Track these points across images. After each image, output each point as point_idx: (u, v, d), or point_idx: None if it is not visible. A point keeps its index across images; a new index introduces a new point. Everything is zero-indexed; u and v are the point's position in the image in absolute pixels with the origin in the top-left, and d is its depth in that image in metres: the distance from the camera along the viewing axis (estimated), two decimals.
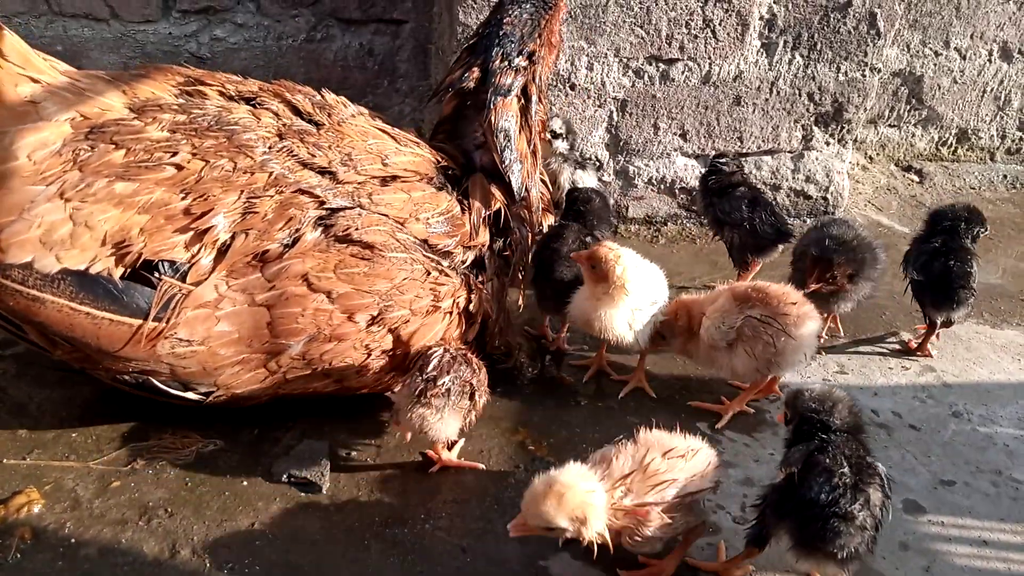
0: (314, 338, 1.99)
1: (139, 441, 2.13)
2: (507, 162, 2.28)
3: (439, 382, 1.95)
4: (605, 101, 3.09)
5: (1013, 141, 4.11)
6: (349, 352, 2.04)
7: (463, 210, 2.22)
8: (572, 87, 3.03)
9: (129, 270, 1.83)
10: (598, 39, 2.95)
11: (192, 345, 1.89)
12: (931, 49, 3.78)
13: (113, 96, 1.92)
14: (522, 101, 2.33)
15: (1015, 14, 3.74)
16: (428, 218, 2.13)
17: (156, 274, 1.84)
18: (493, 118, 2.25)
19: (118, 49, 3.10)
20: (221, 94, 2.07)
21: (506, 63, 2.26)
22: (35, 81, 1.82)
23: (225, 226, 1.88)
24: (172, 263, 1.85)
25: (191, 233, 1.86)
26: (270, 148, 1.98)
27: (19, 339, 1.97)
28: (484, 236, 2.27)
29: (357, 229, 1.99)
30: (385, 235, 2.04)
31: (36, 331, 1.89)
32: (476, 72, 2.27)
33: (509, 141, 2.28)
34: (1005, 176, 4.01)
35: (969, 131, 4.03)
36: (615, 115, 3.13)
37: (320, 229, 1.97)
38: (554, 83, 3.00)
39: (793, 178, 3.37)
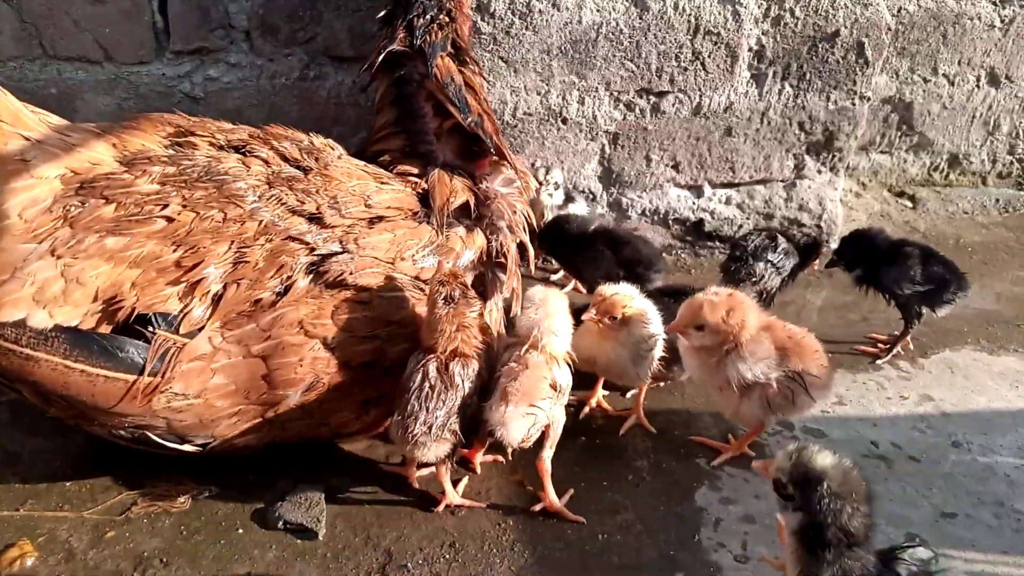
0: (312, 387, 1.97)
1: (133, 489, 2.11)
2: (470, 121, 2.26)
3: (432, 430, 1.93)
4: (597, 134, 3.10)
5: (1004, 165, 4.13)
6: (347, 399, 2.03)
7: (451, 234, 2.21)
8: (564, 121, 3.05)
9: (122, 324, 1.82)
10: (588, 73, 2.97)
11: (188, 399, 1.88)
12: (920, 76, 3.81)
13: (102, 149, 1.94)
14: (457, 62, 2.32)
15: (1000, 40, 3.77)
16: (413, 255, 2.12)
17: (150, 328, 1.83)
18: (441, 77, 2.24)
19: (112, 90, 3.11)
20: (211, 144, 2.08)
21: (428, 18, 2.26)
22: (25, 138, 1.83)
23: (217, 277, 1.88)
24: (165, 316, 1.84)
25: (183, 285, 1.86)
26: (260, 196, 1.99)
27: (14, 393, 1.96)
28: (475, 248, 2.24)
29: (351, 273, 1.99)
30: (379, 276, 2.03)
31: (30, 390, 1.87)
32: (401, 32, 2.27)
33: (465, 100, 2.25)
34: (997, 200, 4.03)
35: (960, 156, 4.05)
36: (607, 148, 3.14)
37: (312, 275, 1.96)
38: (546, 118, 3.02)
39: (786, 207, 3.38)
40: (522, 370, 1.97)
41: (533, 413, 1.97)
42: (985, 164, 4.10)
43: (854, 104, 3.23)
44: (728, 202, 3.34)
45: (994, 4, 3.69)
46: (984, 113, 3.96)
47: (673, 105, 3.10)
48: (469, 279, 2.15)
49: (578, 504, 2.15)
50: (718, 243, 3.40)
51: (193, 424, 1.93)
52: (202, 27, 3.05)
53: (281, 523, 2.02)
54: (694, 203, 3.31)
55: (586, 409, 2.50)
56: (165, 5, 3.01)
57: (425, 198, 2.23)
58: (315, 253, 1.98)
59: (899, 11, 3.59)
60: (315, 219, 2.02)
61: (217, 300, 1.87)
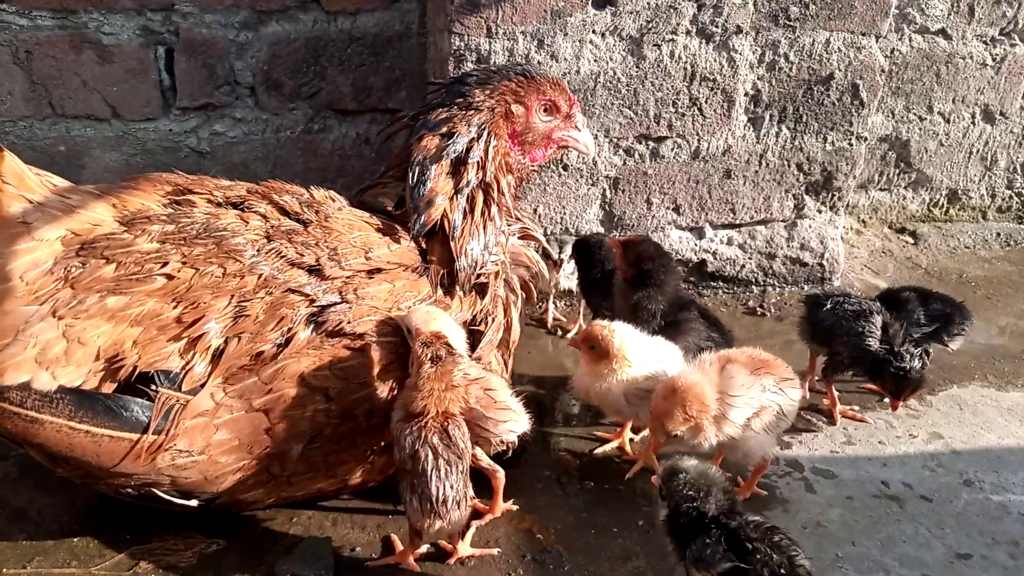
0: (315, 439, 1.98)
1: (141, 544, 2.10)
2: (416, 197, 2.22)
3: (449, 502, 1.88)
4: (598, 180, 3.14)
5: (1003, 199, 4.16)
6: (352, 449, 2.03)
7: (445, 292, 2.23)
8: (565, 168, 3.09)
9: (125, 383, 1.83)
10: (588, 121, 3.00)
11: (192, 455, 1.89)
12: (915, 114, 3.86)
13: (102, 210, 1.97)
14: (461, 167, 2.23)
15: (993, 78, 3.83)
16: (409, 307, 2.13)
17: (153, 386, 1.84)
18: (413, 150, 2.24)
19: (120, 147, 3.17)
20: (209, 201, 2.11)
21: (447, 105, 2.27)
22: (28, 200, 1.87)
23: (217, 331, 1.89)
24: (168, 373, 1.85)
25: (184, 341, 1.86)
26: (259, 251, 2.01)
27: (22, 448, 1.96)
28: (468, 312, 2.25)
29: (349, 322, 2.01)
30: (375, 323, 2.05)
31: (37, 451, 1.88)
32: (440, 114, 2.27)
33: (424, 177, 2.22)
34: (998, 234, 4.05)
35: (959, 191, 4.09)
36: (608, 192, 3.18)
37: (312, 326, 1.97)
38: (547, 165, 3.06)
39: (788, 246, 3.40)
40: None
41: None
42: (984, 199, 4.13)
43: (851, 144, 3.28)
44: (730, 243, 3.37)
45: (985, 44, 3.76)
46: (981, 149, 4.01)
47: (672, 150, 3.14)
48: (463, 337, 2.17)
49: (588, 550, 2.14)
50: (721, 283, 3.42)
51: (198, 480, 1.93)
52: (208, 84, 3.12)
53: (289, 575, 2.00)
54: (696, 244, 3.34)
55: (605, 448, 2.50)
56: (172, 64, 3.09)
57: (425, 252, 2.25)
58: (315, 304, 1.99)
59: (892, 52, 3.66)
60: (314, 271, 2.04)
61: (219, 355, 1.88)
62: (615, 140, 3.08)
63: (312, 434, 1.97)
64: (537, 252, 2.53)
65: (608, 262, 2.82)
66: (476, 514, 2.15)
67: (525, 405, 2.68)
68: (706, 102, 3.08)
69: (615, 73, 2.95)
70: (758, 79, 3.10)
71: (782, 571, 1.70)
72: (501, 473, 2.14)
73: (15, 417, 1.77)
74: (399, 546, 2.08)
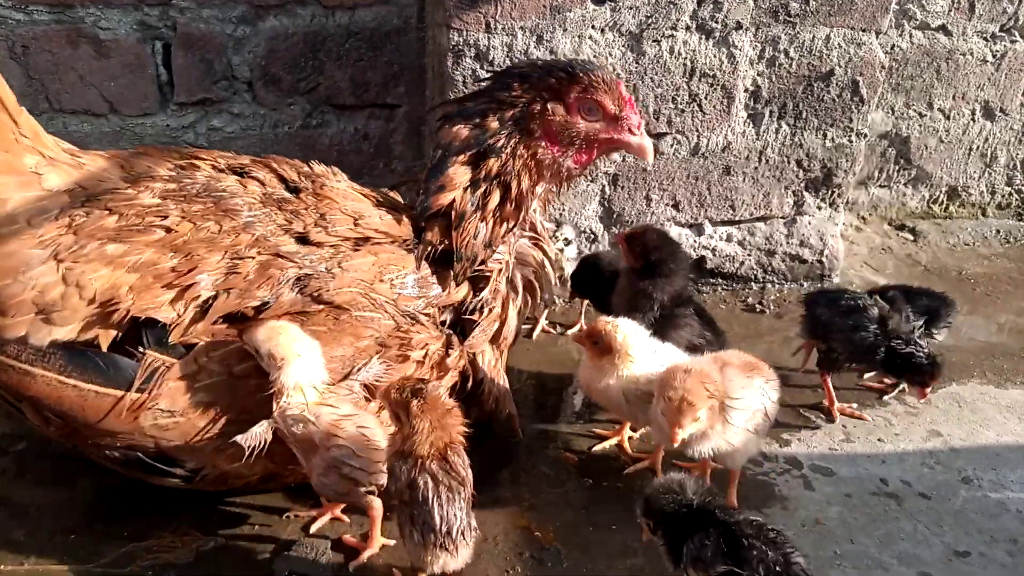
0: None
1: (138, 541, 2.09)
2: (429, 179, 2.23)
3: (454, 533, 1.81)
4: (597, 176, 3.13)
5: (1003, 196, 4.15)
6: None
7: (435, 272, 2.23)
8: None
9: (119, 335, 1.89)
10: None
11: (174, 416, 1.92)
12: (915, 111, 3.85)
13: (110, 169, 2.07)
14: (483, 167, 2.21)
15: (993, 75, 3.82)
16: (393, 279, 2.15)
17: (140, 348, 1.90)
18: (441, 135, 2.24)
19: (117, 142, 3.15)
20: (213, 167, 2.19)
21: (488, 96, 2.24)
22: (41, 154, 1.96)
23: (208, 284, 1.95)
24: (157, 334, 1.91)
25: (176, 290, 1.93)
26: (254, 213, 2.08)
27: (18, 413, 2.01)
28: (459, 294, 2.25)
29: (328, 291, 2.03)
30: (355, 295, 2.07)
31: (30, 407, 1.95)
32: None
33: (443, 164, 2.21)
34: (998, 231, 4.04)
35: (959, 188, 4.08)
36: (607, 189, 3.17)
37: (297, 290, 2.01)
38: None
39: (787, 243, 3.40)
40: None
41: None
42: (984, 195, 4.12)
43: (851, 141, 3.27)
44: (729, 239, 3.36)
45: (985, 40, 3.75)
46: (981, 145, 4.00)
47: (672, 146, 3.14)
48: (445, 318, 2.19)
49: (587, 547, 2.14)
50: (720, 280, 3.41)
51: (180, 445, 1.96)
52: (206, 79, 3.11)
53: (287, 573, 2.00)
54: (695, 241, 3.33)
55: (604, 445, 2.49)
56: (169, 58, 3.07)
57: (420, 230, 2.26)
58: (301, 270, 2.03)
59: (892, 48, 3.65)
60: (302, 239, 2.09)
61: (206, 308, 1.93)
62: None
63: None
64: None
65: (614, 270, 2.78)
66: (355, 552, 2.07)
67: (525, 401, 2.73)
68: (706, 98, 3.07)
69: (615, 69, 2.94)
70: (758, 75, 3.09)
71: (778, 569, 1.70)
72: (378, 503, 2.01)
73: (11, 370, 1.86)
74: None
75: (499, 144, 2.21)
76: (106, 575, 2.00)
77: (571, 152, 2.28)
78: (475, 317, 2.28)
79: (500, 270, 2.31)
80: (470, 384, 2.27)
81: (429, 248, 2.21)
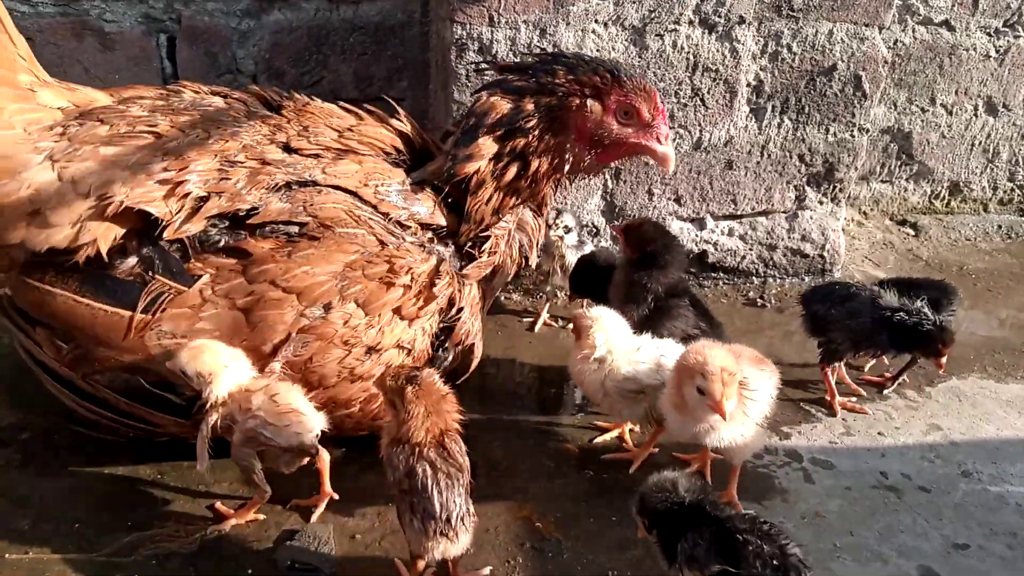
0: (288, 339, 2.05)
1: (142, 530, 2.11)
2: (459, 145, 2.26)
3: (453, 519, 1.82)
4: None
5: (1005, 192, 4.15)
6: (328, 348, 2.08)
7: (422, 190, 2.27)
8: None
9: (117, 237, 1.99)
10: None
11: (176, 338, 2.01)
12: (918, 106, 3.85)
13: (101, 95, 2.23)
14: (510, 149, 2.24)
15: (996, 70, 3.82)
16: (378, 186, 2.19)
17: (150, 273, 2.02)
18: (479, 102, 2.26)
19: None
20: (196, 92, 2.33)
21: (532, 75, 2.26)
22: (37, 77, 2.14)
23: (199, 184, 2.04)
24: (167, 262, 2.02)
25: (168, 186, 2.02)
26: (240, 124, 2.21)
27: (36, 346, 2.14)
28: (441, 219, 2.26)
29: (312, 204, 2.09)
30: (339, 211, 2.11)
31: (46, 333, 2.09)
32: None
33: (475, 133, 2.24)
34: (999, 226, 4.04)
35: (961, 183, 4.08)
36: (610, 183, 3.18)
37: (286, 200, 2.08)
38: None
39: (789, 238, 3.40)
40: None
41: None
42: (986, 191, 4.13)
43: (853, 136, 3.27)
44: (731, 234, 3.37)
45: (989, 35, 3.75)
46: (983, 141, 4.00)
47: (674, 140, 3.13)
48: (424, 234, 2.22)
49: (587, 539, 2.15)
50: (721, 274, 3.42)
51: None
52: (210, 72, 3.11)
53: (290, 562, 2.02)
54: (697, 235, 3.34)
55: (604, 437, 2.51)
56: (174, 51, 3.08)
57: (410, 141, 2.34)
58: (287, 176, 2.11)
59: (895, 43, 3.65)
60: (286, 148, 2.18)
61: (198, 208, 2.02)
62: None
63: (285, 333, 2.05)
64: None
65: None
66: (217, 519, 2.15)
67: (526, 393, 2.75)
68: (708, 93, 3.07)
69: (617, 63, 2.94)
70: (760, 70, 3.09)
71: (774, 562, 1.70)
72: (268, 490, 2.12)
73: (36, 291, 2.04)
74: (404, 572, 2.00)
75: (529, 126, 2.24)
76: (110, 564, 2.02)
77: (597, 150, 2.32)
78: (474, 252, 2.31)
79: (503, 235, 2.36)
80: (453, 310, 2.28)
81: (443, 194, 2.27)
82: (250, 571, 2.01)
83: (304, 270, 2.04)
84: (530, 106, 2.24)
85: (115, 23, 3.00)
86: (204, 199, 2.03)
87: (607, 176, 3.15)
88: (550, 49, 2.86)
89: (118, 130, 2.09)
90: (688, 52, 2.99)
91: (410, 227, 2.21)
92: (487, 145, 2.24)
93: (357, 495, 2.24)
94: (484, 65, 2.65)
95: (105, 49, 3.03)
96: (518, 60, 2.40)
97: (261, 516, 2.15)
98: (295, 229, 2.07)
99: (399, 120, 2.40)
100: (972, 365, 2.97)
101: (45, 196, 1.97)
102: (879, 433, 2.61)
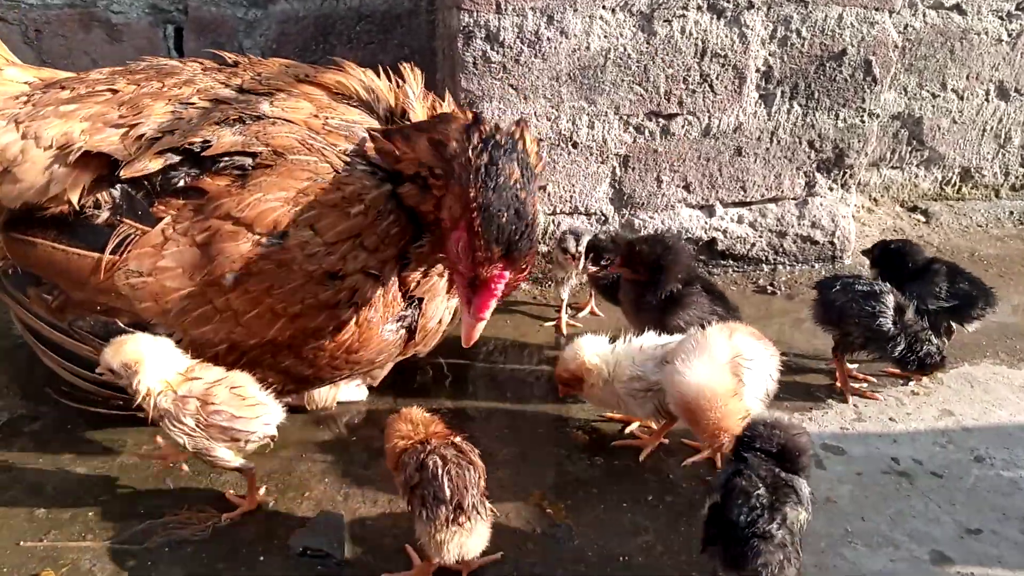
0: (247, 273, 2.09)
1: (156, 518, 2.12)
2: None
3: (465, 505, 1.80)
4: (607, 157, 3.13)
5: (1017, 177, 4.12)
6: (290, 292, 2.10)
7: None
8: (575, 145, 3.08)
9: (84, 188, 2.12)
10: (598, 98, 3.00)
11: (142, 276, 2.11)
12: (928, 91, 3.82)
13: (67, 73, 2.39)
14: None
15: (1008, 54, 3.78)
16: (328, 118, 2.23)
17: (118, 218, 2.13)
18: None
19: None
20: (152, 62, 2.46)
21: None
22: (5, 59, 2.35)
23: (154, 124, 2.16)
24: (132, 205, 2.13)
25: (124, 129, 2.15)
26: (195, 74, 2.35)
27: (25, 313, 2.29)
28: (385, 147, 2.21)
29: (264, 133, 2.15)
30: (292, 140, 2.15)
31: (34, 285, 2.25)
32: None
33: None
34: (1011, 212, 4.01)
35: (972, 169, 4.05)
36: (618, 170, 3.17)
37: (239, 132, 2.15)
38: (556, 142, 3.05)
39: (799, 224, 3.39)
40: None
41: None
42: (998, 177, 4.10)
43: (863, 121, 3.25)
44: (740, 221, 3.35)
45: (1001, 19, 3.71)
46: (995, 126, 3.97)
47: (683, 127, 3.13)
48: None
49: (598, 525, 2.15)
50: (731, 262, 3.41)
51: (151, 306, 2.13)
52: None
53: (302, 548, 2.03)
54: (706, 223, 3.33)
55: (631, 427, 2.51)
56: (181, 42, 3.09)
57: (376, 93, 2.35)
58: (240, 112, 2.19)
59: (905, 28, 3.62)
60: (241, 90, 2.29)
61: (152, 144, 2.13)
62: (625, 117, 3.06)
63: (243, 263, 2.08)
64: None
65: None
66: (231, 506, 2.16)
67: (536, 380, 2.75)
68: (717, 79, 3.05)
69: (625, 49, 2.93)
70: (770, 55, 3.07)
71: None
72: (254, 468, 2.13)
73: (19, 242, 2.21)
74: (416, 560, 1.98)
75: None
76: (123, 551, 2.03)
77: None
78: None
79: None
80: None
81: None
82: (262, 558, 2.02)
83: (256, 197, 2.09)
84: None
85: (122, 14, 3.01)
86: (158, 138, 2.13)
87: (615, 164, 3.14)
88: (558, 37, 2.85)
89: (78, 92, 2.24)
90: (697, 38, 2.97)
91: (361, 159, 2.19)
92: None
93: (369, 482, 2.25)
94: (494, 54, 2.60)
95: (112, 40, 3.04)
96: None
97: (263, 491, 2.19)
98: (249, 162, 2.12)
99: (371, 74, 2.40)
100: (984, 351, 2.96)
101: (11, 155, 2.13)
102: (890, 419, 2.60)
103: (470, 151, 1.97)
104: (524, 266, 1.98)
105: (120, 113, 2.18)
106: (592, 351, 2.32)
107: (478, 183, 1.94)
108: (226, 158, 2.13)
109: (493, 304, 2.01)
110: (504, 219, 1.91)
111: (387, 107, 2.36)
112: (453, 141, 2.02)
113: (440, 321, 2.40)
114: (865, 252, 3.03)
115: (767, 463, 1.80)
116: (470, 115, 2.10)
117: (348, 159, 2.17)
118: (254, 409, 2.03)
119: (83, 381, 2.29)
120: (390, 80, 2.41)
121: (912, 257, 2.84)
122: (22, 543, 2.03)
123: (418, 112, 2.35)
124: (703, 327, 2.30)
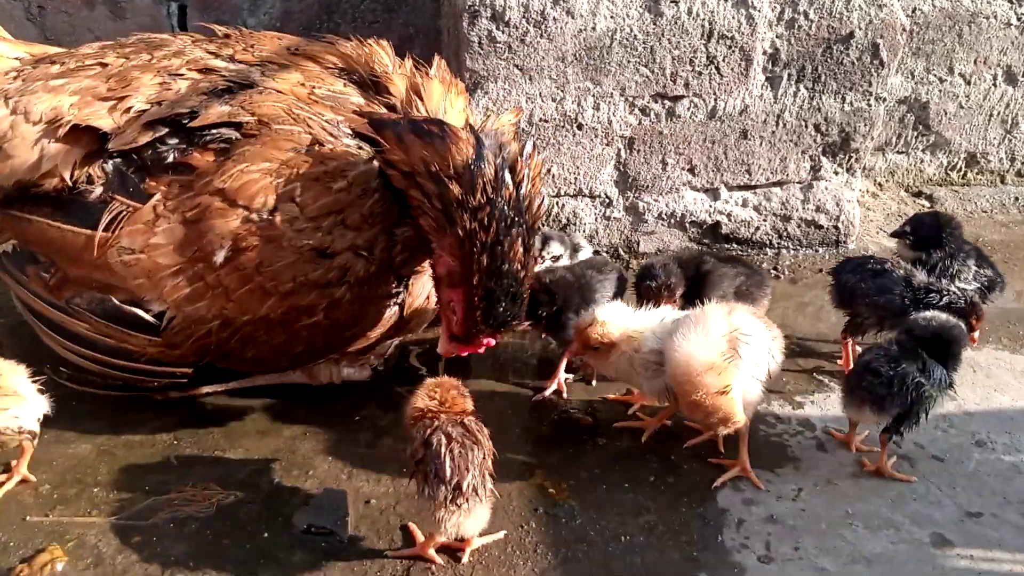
0: (237, 249, 2.08)
1: (160, 495, 2.14)
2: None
3: (464, 486, 1.81)
4: (612, 139, 3.12)
5: (1023, 163, 4.10)
6: (273, 251, 2.09)
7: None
8: (579, 127, 3.06)
9: (76, 163, 2.12)
10: (603, 79, 2.99)
11: (135, 253, 2.11)
12: (935, 76, 3.80)
13: (59, 48, 2.41)
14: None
15: (1017, 38, 3.76)
16: (314, 87, 2.23)
17: (111, 195, 2.13)
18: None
19: None
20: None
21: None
22: None
23: (142, 98, 2.16)
24: (124, 182, 2.13)
25: (112, 102, 2.15)
26: (185, 45, 2.35)
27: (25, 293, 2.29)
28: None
29: (251, 103, 2.15)
30: (278, 109, 2.15)
31: (33, 264, 2.24)
32: None
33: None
34: (1016, 198, 4.00)
35: (978, 155, 4.03)
36: (623, 152, 3.15)
37: (226, 102, 2.14)
38: (561, 124, 3.04)
39: (803, 208, 3.38)
40: None
41: None
42: (1003, 163, 4.08)
43: (870, 105, 3.23)
44: (745, 204, 3.35)
45: (1010, 2, 3.68)
46: (1002, 111, 3.95)
47: (688, 109, 3.11)
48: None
49: (600, 505, 2.16)
50: (735, 245, 3.40)
51: (144, 283, 2.13)
52: None
53: (306, 526, 2.04)
54: (711, 206, 3.32)
55: (634, 408, 2.51)
56: (185, 21, 3.07)
57: (371, 66, 2.34)
58: (228, 82, 2.20)
59: (914, 11, 3.60)
60: (231, 60, 2.31)
61: (140, 116, 2.13)
62: (631, 99, 3.05)
63: (232, 239, 2.08)
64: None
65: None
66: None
67: (539, 362, 2.75)
68: (723, 61, 3.04)
69: (632, 30, 2.92)
70: (777, 37, 3.05)
71: None
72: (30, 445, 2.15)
73: (18, 219, 2.21)
74: (419, 536, 2.01)
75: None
76: (128, 527, 2.04)
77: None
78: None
79: None
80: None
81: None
82: (266, 534, 2.04)
83: (240, 168, 2.08)
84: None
85: None
86: (146, 110, 2.14)
87: (620, 146, 3.13)
88: (564, 17, 2.83)
89: (68, 67, 2.23)
90: (703, 19, 2.95)
91: (347, 131, 2.17)
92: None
93: (372, 460, 2.27)
94: (499, 34, 2.59)
95: (116, 18, 3.02)
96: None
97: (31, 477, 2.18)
98: (236, 135, 2.12)
99: (365, 45, 2.40)
100: (987, 336, 2.95)
101: (1, 131, 2.14)
102: None
103: (477, 218, 1.98)
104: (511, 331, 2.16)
105: (109, 86, 2.18)
106: (626, 320, 2.29)
107: (482, 265, 2.02)
108: (214, 131, 2.12)
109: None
110: (502, 307, 2.07)
111: (368, 73, 2.34)
112: (455, 185, 1.98)
113: (428, 298, 2.40)
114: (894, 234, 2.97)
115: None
116: (471, 140, 2.00)
117: (335, 131, 2.16)
118: (3, 400, 2.01)
119: (82, 360, 2.28)
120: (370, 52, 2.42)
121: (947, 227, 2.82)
122: (28, 518, 2.05)
123: (398, 85, 2.31)
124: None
